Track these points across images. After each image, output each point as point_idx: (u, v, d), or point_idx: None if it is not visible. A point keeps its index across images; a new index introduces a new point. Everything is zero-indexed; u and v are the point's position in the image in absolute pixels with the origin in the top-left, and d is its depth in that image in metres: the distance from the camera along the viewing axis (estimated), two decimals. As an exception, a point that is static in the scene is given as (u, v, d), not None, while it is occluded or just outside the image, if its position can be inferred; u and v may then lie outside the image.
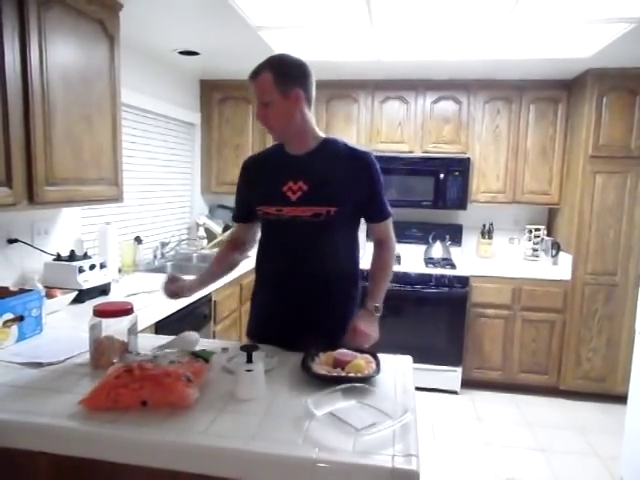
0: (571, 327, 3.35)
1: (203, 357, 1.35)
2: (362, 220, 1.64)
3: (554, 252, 3.58)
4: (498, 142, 3.57)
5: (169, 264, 3.27)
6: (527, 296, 3.37)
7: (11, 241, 2.08)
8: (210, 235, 3.75)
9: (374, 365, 1.32)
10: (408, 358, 1.48)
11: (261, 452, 0.96)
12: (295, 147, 1.55)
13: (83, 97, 1.98)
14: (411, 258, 3.77)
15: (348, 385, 1.20)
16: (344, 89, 3.66)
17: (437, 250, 3.75)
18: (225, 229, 3.73)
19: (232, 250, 1.76)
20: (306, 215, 1.49)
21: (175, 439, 0.99)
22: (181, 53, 3.06)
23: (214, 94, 3.80)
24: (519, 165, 3.56)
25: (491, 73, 3.36)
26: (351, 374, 1.26)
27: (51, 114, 1.80)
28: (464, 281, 3.37)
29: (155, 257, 3.27)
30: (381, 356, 1.39)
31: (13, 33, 1.61)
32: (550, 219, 3.84)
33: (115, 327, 1.34)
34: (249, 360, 1.20)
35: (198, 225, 3.76)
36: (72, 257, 2.22)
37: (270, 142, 1.68)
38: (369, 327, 1.49)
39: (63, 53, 1.85)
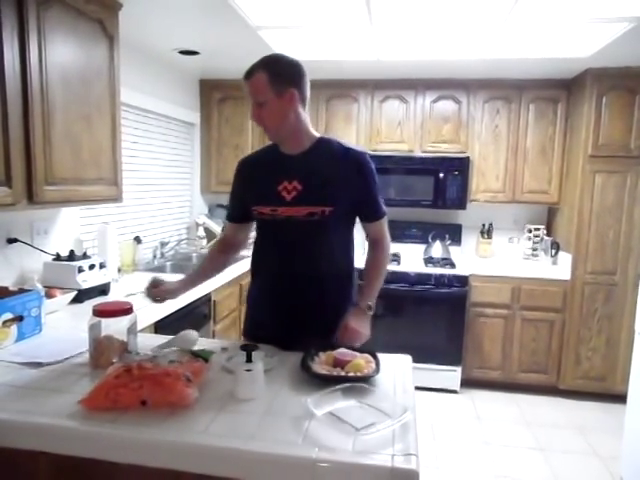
0: (571, 326, 3.35)
1: (203, 357, 1.35)
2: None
3: (554, 252, 3.58)
4: (498, 141, 3.57)
5: (169, 264, 3.27)
6: (527, 295, 3.38)
7: (10, 241, 2.08)
8: (210, 235, 3.74)
9: (374, 365, 1.32)
10: (408, 357, 1.48)
11: (261, 452, 0.96)
12: (290, 147, 1.55)
13: (82, 97, 1.98)
14: (411, 258, 3.77)
15: (348, 385, 1.20)
16: (344, 88, 3.66)
17: (437, 250, 3.75)
18: (225, 229, 3.73)
19: (223, 250, 1.76)
20: (301, 215, 1.49)
21: (175, 439, 0.99)
22: (181, 53, 3.06)
23: (214, 94, 3.80)
24: (519, 165, 3.56)
25: (491, 72, 3.36)
26: (351, 374, 1.26)
27: (50, 114, 1.79)
28: (464, 280, 3.37)
29: (155, 257, 3.27)
30: (381, 356, 1.39)
31: (12, 33, 1.61)
32: (550, 219, 3.84)
33: (114, 327, 1.34)
34: (249, 360, 1.20)
35: (198, 225, 3.76)
36: (71, 257, 2.22)
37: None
38: (361, 325, 1.50)
39: (62, 53, 1.85)
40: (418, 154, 3.64)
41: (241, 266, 2.93)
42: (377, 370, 1.29)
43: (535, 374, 3.44)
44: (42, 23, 1.72)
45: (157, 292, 1.63)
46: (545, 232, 3.77)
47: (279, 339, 1.51)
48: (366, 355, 1.36)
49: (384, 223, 1.62)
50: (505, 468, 2.58)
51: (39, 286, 1.95)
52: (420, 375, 2.97)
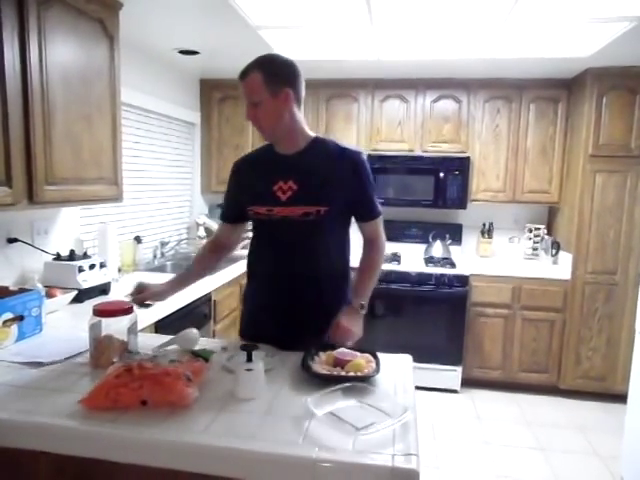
0: (571, 326, 3.35)
1: (203, 356, 1.35)
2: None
3: (554, 251, 3.58)
4: (498, 141, 3.57)
5: (169, 263, 3.27)
6: (527, 295, 3.37)
7: (11, 240, 2.08)
8: (210, 234, 3.74)
9: (374, 364, 1.32)
10: (408, 357, 1.48)
11: (261, 451, 0.96)
12: (285, 147, 1.55)
13: (83, 96, 1.98)
14: (411, 257, 3.77)
15: (348, 384, 1.20)
16: (344, 88, 3.66)
17: (437, 249, 3.75)
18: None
19: (215, 251, 1.76)
20: (296, 215, 1.49)
21: (175, 438, 0.99)
22: (181, 52, 3.06)
23: (214, 93, 3.80)
24: (519, 164, 3.56)
25: (491, 72, 3.35)
26: (351, 373, 1.26)
27: (51, 113, 1.79)
28: (464, 280, 3.37)
29: (155, 256, 3.27)
30: (381, 355, 1.39)
31: (13, 32, 1.61)
32: (550, 218, 3.84)
33: (115, 326, 1.34)
34: (249, 359, 1.20)
35: (198, 224, 3.76)
36: (72, 257, 2.22)
37: (269, 142, 1.68)
38: (352, 324, 1.49)
39: (63, 52, 1.85)
40: (418, 154, 3.64)
41: (241, 266, 2.92)
42: (377, 370, 1.29)
43: (535, 374, 3.44)
44: (42, 23, 1.72)
45: (143, 297, 1.62)
46: (545, 232, 3.77)
47: (276, 339, 1.51)
48: (366, 355, 1.36)
49: (379, 223, 1.63)
50: (505, 468, 2.58)
51: (39, 286, 1.95)
52: (420, 375, 2.98)
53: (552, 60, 3.00)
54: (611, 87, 3.15)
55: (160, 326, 2.07)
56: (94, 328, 1.34)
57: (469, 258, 3.81)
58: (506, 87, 3.51)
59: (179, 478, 0.99)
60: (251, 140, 3.74)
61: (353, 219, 1.63)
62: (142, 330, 1.69)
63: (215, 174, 3.85)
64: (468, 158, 3.57)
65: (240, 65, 1.49)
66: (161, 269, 3.09)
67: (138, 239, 3.02)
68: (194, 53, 3.07)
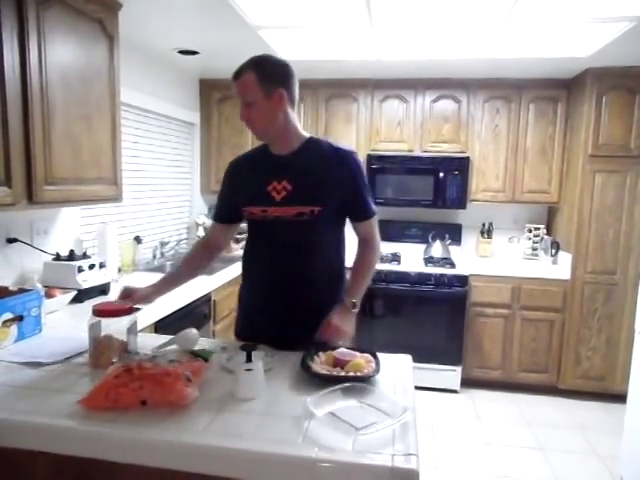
0: (571, 326, 3.35)
1: (202, 356, 1.35)
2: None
3: (554, 251, 3.58)
4: (497, 141, 3.57)
5: (168, 263, 3.27)
6: (527, 295, 3.38)
7: (10, 241, 2.08)
8: (210, 234, 3.74)
9: (374, 364, 1.32)
10: (408, 357, 1.48)
11: (260, 451, 0.96)
12: (279, 147, 1.55)
13: (82, 97, 1.98)
14: (411, 257, 3.77)
15: (348, 384, 1.20)
16: (343, 88, 3.66)
17: (437, 249, 3.75)
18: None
19: (206, 251, 1.74)
20: (290, 215, 1.50)
21: (174, 438, 0.99)
22: (180, 52, 3.06)
23: (214, 93, 3.80)
24: (518, 164, 3.56)
25: (491, 72, 3.36)
26: (351, 373, 1.26)
27: (50, 114, 1.79)
28: (464, 280, 3.37)
29: (155, 257, 3.27)
30: (381, 355, 1.39)
31: (12, 33, 1.61)
32: (550, 218, 3.84)
33: (114, 326, 1.34)
34: (248, 359, 1.20)
35: (197, 224, 3.75)
36: (71, 257, 2.22)
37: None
38: (344, 322, 1.49)
39: (62, 53, 1.85)
40: (418, 154, 3.64)
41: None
42: (377, 370, 1.29)
43: (535, 374, 3.44)
44: (42, 23, 1.72)
45: (130, 301, 1.58)
46: (545, 232, 3.77)
47: (271, 339, 1.51)
48: (366, 355, 1.36)
49: (374, 223, 1.63)
50: (505, 468, 2.58)
51: (39, 286, 1.95)
52: (420, 375, 2.98)
53: (552, 60, 3.00)
54: (611, 87, 3.15)
55: (160, 326, 2.07)
56: (94, 328, 1.34)
57: (469, 258, 3.81)
58: (506, 87, 3.51)
59: (178, 478, 0.99)
60: (251, 140, 3.73)
61: (348, 219, 1.63)
62: (142, 330, 1.69)
63: (215, 174, 3.85)
64: (468, 158, 3.57)
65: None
66: (161, 269, 3.09)
67: (138, 239, 3.02)
68: (194, 53, 3.07)
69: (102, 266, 2.30)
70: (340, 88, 3.66)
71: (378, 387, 1.25)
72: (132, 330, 1.38)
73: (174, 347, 1.47)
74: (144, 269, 2.97)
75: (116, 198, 2.27)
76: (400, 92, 3.62)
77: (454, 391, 3.46)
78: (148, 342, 1.49)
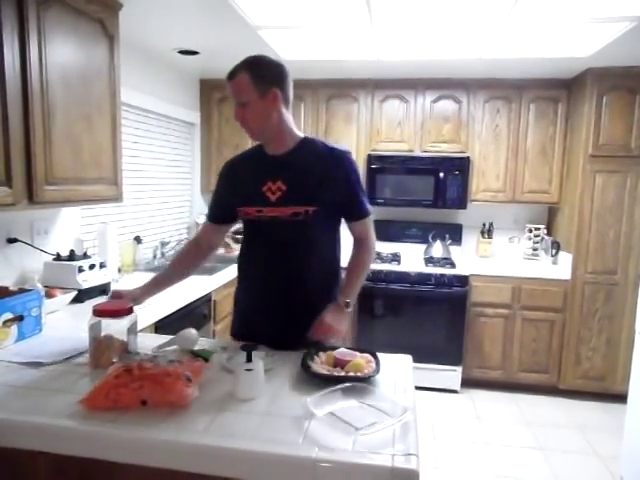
0: (571, 326, 3.35)
1: (203, 356, 1.35)
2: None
3: (554, 251, 3.58)
4: (498, 141, 3.57)
5: (169, 264, 3.26)
6: (527, 295, 3.37)
7: (11, 241, 2.08)
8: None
9: (374, 364, 1.32)
10: (408, 357, 1.48)
11: (261, 451, 0.96)
12: (273, 147, 1.56)
13: (83, 97, 1.98)
14: (411, 257, 3.77)
15: (348, 384, 1.20)
16: (344, 88, 3.66)
17: (437, 249, 3.75)
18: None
19: (197, 251, 1.74)
20: (285, 215, 1.50)
21: (175, 438, 0.99)
22: (181, 52, 3.06)
23: (214, 93, 3.80)
24: (519, 164, 3.56)
25: (491, 72, 3.35)
26: (351, 373, 1.26)
27: (51, 114, 1.79)
28: (464, 280, 3.37)
29: (155, 257, 3.27)
30: (381, 355, 1.39)
31: (12, 33, 1.61)
32: (550, 218, 3.84)
33: (115, 327, 1.34)
34: (249, 359, 1.20)
35: (198, 224, 3.75)
36: (72, 257, 2.22)
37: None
38: (336, 321, 1.49)
39: (63, 52, 1.85)
40: (418, 154, 3.64)
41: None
42: (377, 370, 1.29)
43: (535, 374, 3.44)
44: (42, 23, 1.72)
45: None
46: (545, 232, 3.77)
47: (267, 339, 1.50)
48: (366, 355, 1.36)
49: (369, 222, 1.63)
50: (505, 468, 2.57)
51: (39, 286, 1.95)
52: (420, 375, 2.98)
53: (552, 60, 3.00)
54: (611, 87, 3.15)
55: (160, 326, 2.07)
56: (94, 328, 1.34)
57: (469, 258, 3.81)
58: (506, 87, 3.51)
59: (178, 478, 0.99)
60: (250, 140, 3.73)
61: (343, 219, 1.63)
62: (142, 330, 1.69)
63: (215, 174, 3.79)
64: (468, 158, 3.57)
65: (240, 65, 1.50)
66: (161, 269, 3.08)
67: (138, 239, 3.02)
68: (194, 53, 3.07)
69: (102, 266, 2.30)
70: (340, 88, 3.66)
71: (378, 387, 1.25)
72: (132, 330, 1.38)
73: (174, 347, 1.47)
74: (144, 269, 2.96)
75: (116, 198, 2.27)
76: (400, 92, 3.62)
77: (454, 391, 3.46)
78: (148, 342, 1.49)
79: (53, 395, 1.17)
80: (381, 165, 3.63)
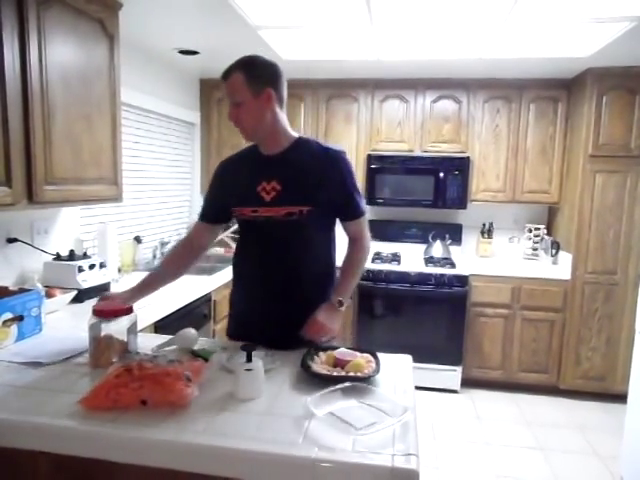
0: (571, 326, 3.35)
1: (203, 356, 1.36)
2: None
3: (554, 251, 3.58)
4: (498, 141, 3.57)
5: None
6: (527, 295, 3.37)
7: (10, 240, 2.08)
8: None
9: (374, 364, 1.32)
10: (408, 357, 1.48)
11: (261, 451, 0.96)
12: (268, 147, 1.55)
13: (83, 96, 1.98)
14: (411, 257, 3.77)
15: (348, 384, 1.20)
16: (344, 88, 3.66)
17: (437, 249, 3.75)
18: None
19: (188, 251, 1.72)
20: (280, 215, 1.50)
21: (175, 438, 0.99)
22: (181, 52, 3.06)
23: (214, 93, 3.80)
24: (519, 164, 3.56)
25: (491, 72, 3.35)
26: (351, 373, 1.26)
27: (50, 113, 1.79)
28: (464, 280, 3.37)
29: (155, 256, 3.27)
30: (381, 355, 1.39)
31: (12, 32, 1.61)
32: (550, 218, 3.84)
33: (115, 327, 1.34)
34: (249, 359, 1.20)
35: (198, 224, 3.75)
36: (72, 257, 2.22)
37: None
38: (329, 320, 1.49)
39: (62, 52, 1.85)
40: (418, 154, 3.64)
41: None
42: (377, 370, 1.29)
43: (535, 374, 3.44)
44: (42, 23, 1.72)
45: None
46: (545, 232, 3.77)
47: (263, 339, 1.50)
48: (366, 355, 1.36)
49: (363, 222, 1.62)
50: (505, 468, 2.57)
51: (39, 286, 1.95)
52: (420, 375, 2.97)
53: (552, 60, 3.00)
54: (611, 87, 3.15)
55: (160, 326, 2.07)
56: (94, 328, 1.34)
57: (469, 258, 3.81)
58: (506, 87, 3.51)
59: (178, 478, 0.99)
60: (250, 140, 3.74)
61: (337, 218, 1.62)
62: (142, 330, 1.69)
63: (215, 174, 3.85)
64: (468, 158, 3.57)
65: (240, 65, 1.50)
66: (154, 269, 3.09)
67: (138, 239, 3.02)
68: (194, 53, 3.07)
69: (102, 266, 2.30)
70: (340, 88, 3.66)
71: (378, 387, 1.25)
72: (132, 330, 1.38)
73: (174, 347, 1.47)
74: (144, 269, 2.96)
75: (116, 198, 2.27)
76: (400, 92, 3.62)
77: (454, 391, 3.46)
78: (148, 342, 1.49)
79: (53, 395, 1.17)
80: (381, 165, 3.63)
